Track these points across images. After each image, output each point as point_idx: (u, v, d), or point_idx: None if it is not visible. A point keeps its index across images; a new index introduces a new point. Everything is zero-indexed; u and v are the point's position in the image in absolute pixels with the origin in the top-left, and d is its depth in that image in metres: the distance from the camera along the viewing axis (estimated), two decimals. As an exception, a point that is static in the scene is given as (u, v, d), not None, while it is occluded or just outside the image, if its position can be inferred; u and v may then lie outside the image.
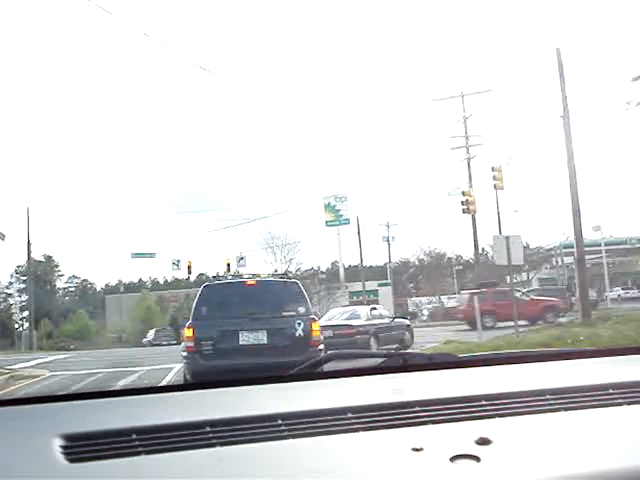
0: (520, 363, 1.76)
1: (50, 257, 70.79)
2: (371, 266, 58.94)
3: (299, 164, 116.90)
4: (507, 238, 18.18)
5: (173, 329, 49.48)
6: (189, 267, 46.67)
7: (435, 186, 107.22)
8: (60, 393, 1.50)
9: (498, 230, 51.48)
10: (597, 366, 1.75)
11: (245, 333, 10.11)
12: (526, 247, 54.15)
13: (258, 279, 11.35)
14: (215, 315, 10.36)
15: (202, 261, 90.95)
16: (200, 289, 11.07)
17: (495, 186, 35.28)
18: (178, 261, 49.27)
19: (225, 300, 10.61)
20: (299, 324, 10.19)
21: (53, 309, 60.93)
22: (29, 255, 50.42)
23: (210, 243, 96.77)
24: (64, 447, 1.19)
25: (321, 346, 10.28)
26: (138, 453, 1.19)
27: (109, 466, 1.15)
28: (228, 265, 45.41)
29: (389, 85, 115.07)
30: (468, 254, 65.47)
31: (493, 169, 34.73)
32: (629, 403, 1.44)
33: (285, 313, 10.41)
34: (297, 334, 10.15)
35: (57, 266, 73.54)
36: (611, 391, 1.48)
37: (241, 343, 10.07)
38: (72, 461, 1.15)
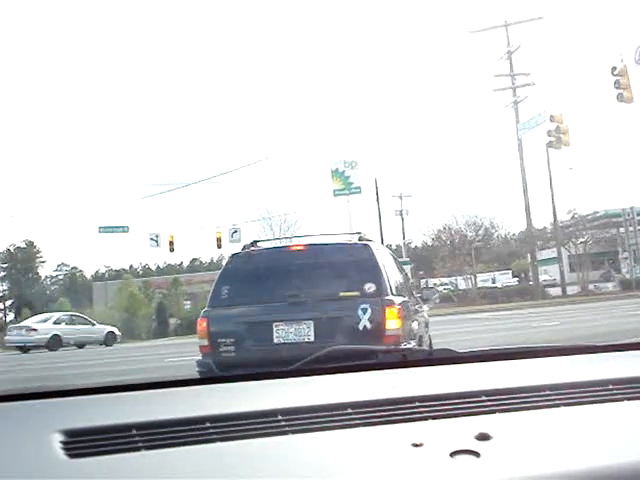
0: (520, 359, 1.77)
1: (32, 243, 65.70)
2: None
3: (298, 122, 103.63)
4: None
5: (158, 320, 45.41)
6: (171, 243, 39.91)
7: (459, 148, 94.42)
8: (60, 388, 1.50)
9: (550, 195, 41.99)
10: (597, 362, 1.76)
11: (281, 326, 6.83)
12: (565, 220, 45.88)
13: (309, 242, 7.78)
14: (240, 299, 7.15)
15: (189, 236, 78.18)
16: (226, 260, 7.93)
17: (619, 97, 21.97)
18: (157, 236, 40.75)
19: (257, 276, 7.28)
20: (364, 310, 6.76)
21: (34, 298, 56.81)
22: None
23: (198, 216, 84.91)
24: (64, 442, 1.19)
25: (406, 343, 6.90)
26: (138, 449, 1.19)
27: (109, 462, 1.15)
28: (219, 240, 40.28)
29: (400, 16, 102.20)
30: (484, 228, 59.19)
31: (614, 70, 21.65)
32: (629, 399, 1.45)
33: (343, 294, 7.00)
34: (361, 326, 6.77)
35: (39, 252, 68.22)
36: (611, 387, 1.49)
37: (275, 342, 6.84)
38: (72, 457, 1.15)
